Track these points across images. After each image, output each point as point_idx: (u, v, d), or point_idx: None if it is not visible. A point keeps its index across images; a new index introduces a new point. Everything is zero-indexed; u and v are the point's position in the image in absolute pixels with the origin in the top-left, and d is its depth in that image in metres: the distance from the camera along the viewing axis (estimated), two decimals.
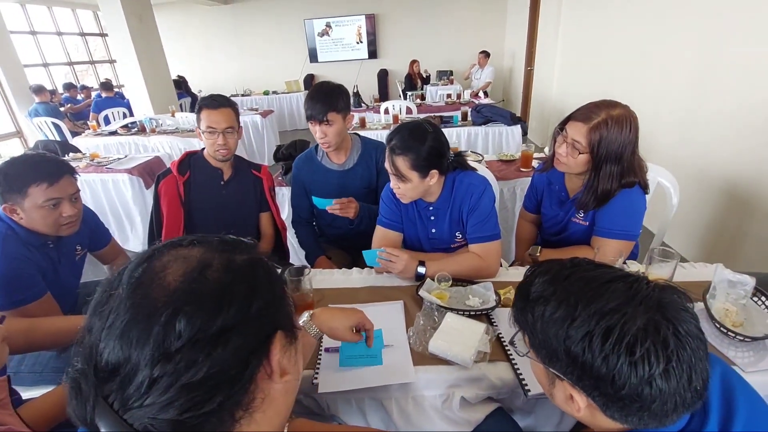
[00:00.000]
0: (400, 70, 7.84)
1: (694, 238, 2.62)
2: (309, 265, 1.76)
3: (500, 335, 1.02)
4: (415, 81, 6.80)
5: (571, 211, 1.39)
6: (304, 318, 0.88)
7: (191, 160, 1.67)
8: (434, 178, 1.22)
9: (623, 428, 0.53)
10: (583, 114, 1.22)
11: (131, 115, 5.49)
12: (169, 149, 4.15)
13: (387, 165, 1.22)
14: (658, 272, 1.12)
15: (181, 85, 6.68)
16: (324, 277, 1.35)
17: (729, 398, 0.55)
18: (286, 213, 2.31)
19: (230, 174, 1.69)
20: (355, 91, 5.19)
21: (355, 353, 0.97)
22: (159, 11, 6.21)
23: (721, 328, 0.98)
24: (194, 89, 7.34)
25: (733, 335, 0.97)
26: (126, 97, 5.97)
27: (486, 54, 6.36)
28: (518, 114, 6.28)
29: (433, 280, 1.20)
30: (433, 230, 1.37)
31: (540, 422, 0.96)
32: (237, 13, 8.32)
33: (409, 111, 4.40)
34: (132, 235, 3.24)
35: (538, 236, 1.71)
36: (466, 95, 5.08)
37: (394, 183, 1.25)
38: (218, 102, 1.56)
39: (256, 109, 5.84)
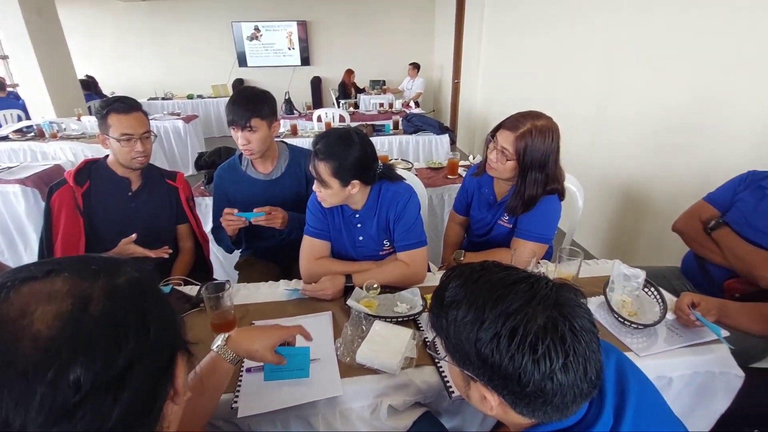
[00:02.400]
0: (333, 78, 7.83)
1: (599, 236, 2.92)
2: (236, 268, 1.67)
3: (426, 339, 1.03)
4: (349, 89, 6.85)
5: (498, 214, 1.48)
6: (218, 343, 0.80)
7: (91, 169, 1.49)
8: (356, 188, 1.21)
9: (532, 422, 0.56)
10: (511, 123, 1.31)
11: (27, 117, 4.82)
12: (73, 156, 3.71)
13: (311, 167, 1.20)
14: (566, 270, 1.22)
15: (90, 86, 6.03)
16: (248, 292, 1.27)
17: (622, 384, 0.60)
18: (210, 225, 2.17)
19: (139, 184, 1.54)
20: (286, 97, 5.08)
21: (280, 366, 0.92)
22: (64, 5, 5.57)
23: (619, 318, 1.09)
24: (106, 91, 6.67)
25: (629, 324, 1.08)
26: (21, 98, 5.24)
27: (415, 66, 6.61)
28: (447, 124, 6.60)
29: (361, 288, 1.19)
30: (360, 238, 1.36)
31: (466, 422, 0.98)
32: (156, 11, 7.73)
33: (342, 119, 4.39)
34: (26, 255, 2.82)
35: (465, 239, 1.78)
36: (398, 105, 5.20)
37: (316, 186, 1.23)
38: (130, 105, 1.41)
39: (179, 114, 5.46)
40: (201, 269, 1.72)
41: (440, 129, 3.69)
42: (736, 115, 1.87)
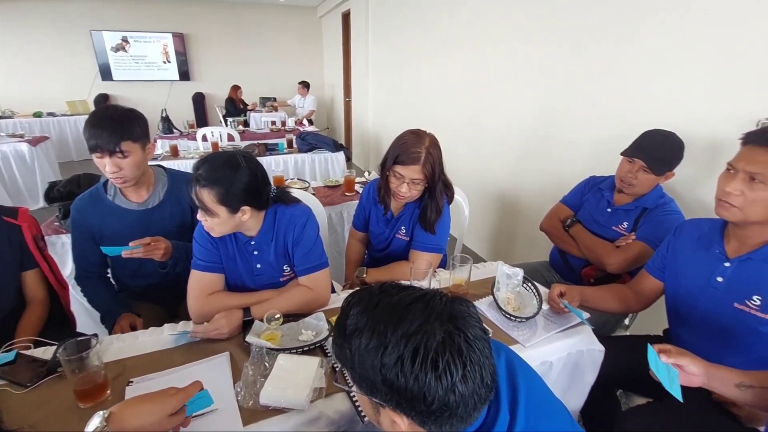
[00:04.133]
0: (219, 95, 7.36)
1: (485, 239, 3.24)
2: (107, 330, 1.42)
3: (335, 365, 1.00)
4: (238, 106, 6.50)
5: (395, 228, 1.54)
6: (95, 424, 0.65)
7: None
8: (247, 215, 1.14)
9: None
10: (407, 156, 1.33)
11: None
12: None
13: (192, 195, 1.09)
14: (459, 275, 1.31)
15: None
16: (123, 345, 1.09)
17: (512, 378, 0.65)
18: (69, 268, 1.83)
19: None
20: (163, 115, 4.60)
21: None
22: None
23: (506, 314, 1.21)
24: None
25: (514, 318, 1.20)
26: None
27: (305, 84, 6.59)
28: (342, 141, 6.71)
29: (261, 320, 1.11)
30: (258, 266, 1.28)
31: None
32: None
33: (231, 138, 4.14)
34: None
35: (366, 254, 1.80)
36: (291, 123, 5.11)
37: (200, 215, 1.12)
38: None
39: (22, 135, 4.54)
40: (59, 323, 1.43)
41: (335, 146, 3.73)
42: (575, 128, 2.26)
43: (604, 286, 1.41)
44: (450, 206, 1.51)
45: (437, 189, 1.39)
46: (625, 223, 1.60)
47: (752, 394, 0.85)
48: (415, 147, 1.32)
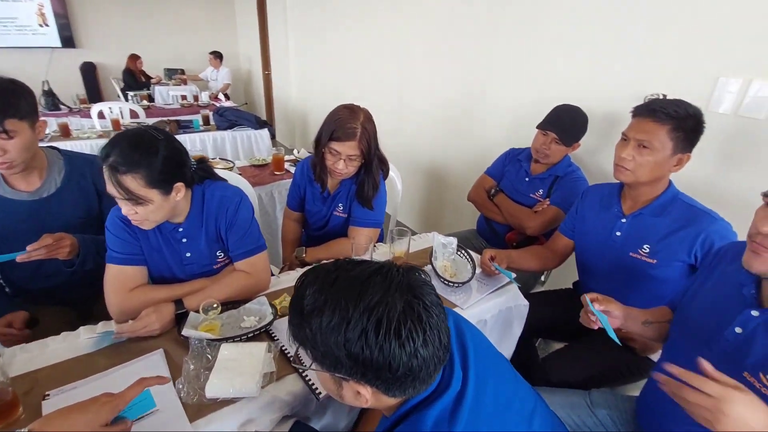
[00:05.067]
0: (114, 65, 6.42)
1: (415, 212, 3.36)
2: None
3: (283, 348, 0.99)
4: (139, 78, 5.75)
5: (333, 206, 1.52)
6: None
7: None
8: (181, 192, 1.04)
9: (402, 400, 0.60)
10: (343, 132, 1.30)
11: None
12: None
13: (111, 189, 0.95)
14: (399, 248, 1.35)
15: None
16: (31, 355, 0.95)
17: (461, 339, 0.70)
18: None
19: None
20: (45, 88, 3.90)
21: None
22: None
23: (444, 281, 1.28)
24: None
25: (452, 284, 1.28)
26: None
27: (217, 55, 6.02)
28: (264, 117, 6.34)
29: (198, 311, 1.04)
30: (188, 254, 1.18)
31: (335, 417, 0.99)
32: None
33: (134, 114, 3.68)
34: None
35: (303, 234, 1.77)
36: (205, 98, 4.68)
37: (127, 209, 0.99)
38: None
39: None
40: None
41: (258, 123, 3.51)
42: (493, 105, 2.40)
43: (526, 248, 1.56)
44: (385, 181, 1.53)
45: (373, 164, 1.40)
46: (540, 191, 1.76)
47: (653, 329, 1.02)
48: (350, 122, 1.30)
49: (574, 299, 1.53)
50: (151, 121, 3.46)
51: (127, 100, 4.49)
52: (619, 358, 1.28)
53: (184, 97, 4.88)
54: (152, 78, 5.95)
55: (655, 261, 1.21)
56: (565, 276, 1.80)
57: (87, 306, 1.44)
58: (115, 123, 3.11)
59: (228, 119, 3.42)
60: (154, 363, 0.94)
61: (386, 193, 1.53)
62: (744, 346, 0.76)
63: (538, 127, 1.70)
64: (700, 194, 1.28)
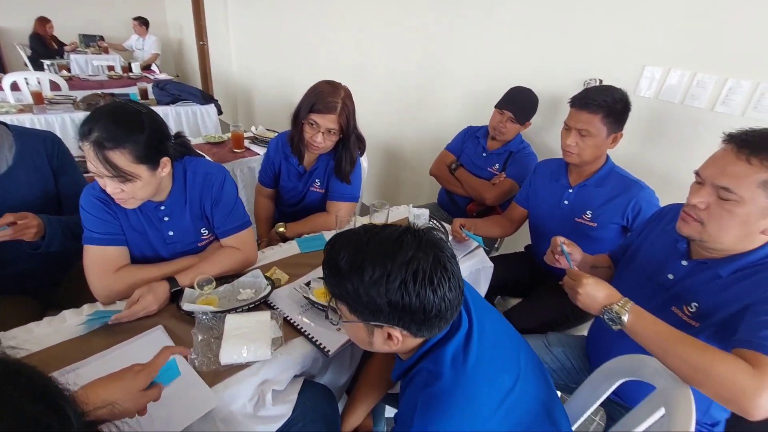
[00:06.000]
0: (18, 29, 5.55)
1: (374, 188, 3.44)
2: None
3: (286, 316, 1.04)
4: (49, 45, 5.06)
5: (310, 182, 1.55)
6: None
7: None
8: (167, 167, 1.03)
9: (422, 341, 0.71)
10: (323, 105, 1.35)
11: None
12: None
13: (94, 167, 0.92)
14: (379, 219, 1.44)
15: None
16: (17, 341, 0.90)
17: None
18: None
19: None
20: None
21: None
22: None
23: None
24: None
25: None
26: None
27: (143, 21, 5.45)
28: None
29: (192, 287, 1.05)
30: (171, 233, 1.17)
31: (335, 374, 1.08)
32: None
33: (56, 86, 3.29)
34: None
35: (275, 211, 1.78)
36: (137, 69, 4.28)
37: (113, 187, 0.96)
38: None
39: None
40: None
41: (204, 98, 3.32)
42: (450, 84, 2.52)
43: (488, 217, 1.73)
44: None
45: (351, 140, 1.45)
46: (497, 165, 1.93)
47: (597, 273, 1.23)
48: (331, 96, 1.34)
49: (526, 260, 1.75)
50: (78, 93, 3.11)
51: (41, 69, 3.95)
52: (567, 304, 1.50)
53: (111, 68, 4.42)
54: (66, 45, 5.27)
55: (595, 224, 1.42)
56: (516, 241, 2.01)
57: (47, 294, 1.36)
58: (38, 96, 2.75)
59: (170, 93, 3.19)
60: (158, 338, 0.95)
61: (362, 169, 1.60)
62: (673, 288, 0.96)
63: (496, 107, 1.84)
64: (633, 166, 1.51)
